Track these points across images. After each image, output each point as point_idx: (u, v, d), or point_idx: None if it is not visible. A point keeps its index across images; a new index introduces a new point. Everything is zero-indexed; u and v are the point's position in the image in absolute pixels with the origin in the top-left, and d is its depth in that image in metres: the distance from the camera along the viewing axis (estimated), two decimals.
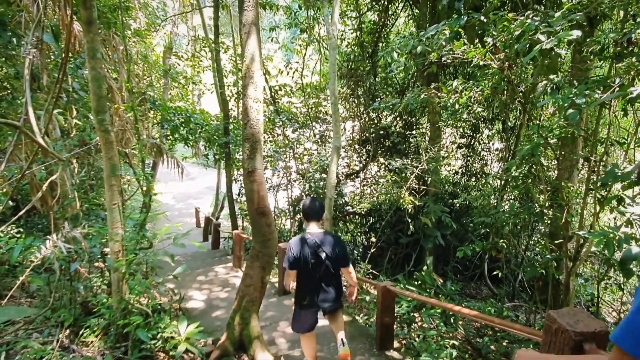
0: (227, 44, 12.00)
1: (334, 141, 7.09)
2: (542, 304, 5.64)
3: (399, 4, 10.24)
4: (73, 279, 4.35)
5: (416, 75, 9.24)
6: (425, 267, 6.81)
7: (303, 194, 10.02)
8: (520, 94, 4.74)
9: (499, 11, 4.27)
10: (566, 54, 5.65)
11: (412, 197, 7.26)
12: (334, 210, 8.65)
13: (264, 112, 4.14)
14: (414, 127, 9.82)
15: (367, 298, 6.25)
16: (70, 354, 3.59)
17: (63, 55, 4.18)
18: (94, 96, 3.59)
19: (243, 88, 3.86)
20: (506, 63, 4.12)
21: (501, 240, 5.56)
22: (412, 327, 5.12)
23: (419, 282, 6.01)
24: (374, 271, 7.59)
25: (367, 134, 10.01)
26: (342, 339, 3.66)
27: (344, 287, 3.83)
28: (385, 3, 9.85)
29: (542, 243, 6.55)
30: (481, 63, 4.14)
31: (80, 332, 3.87)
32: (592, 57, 4.32)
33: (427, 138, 8.93)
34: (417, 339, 4.66)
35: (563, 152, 5.03)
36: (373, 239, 8.34)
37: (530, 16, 3.70)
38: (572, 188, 4.91)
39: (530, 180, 4.92)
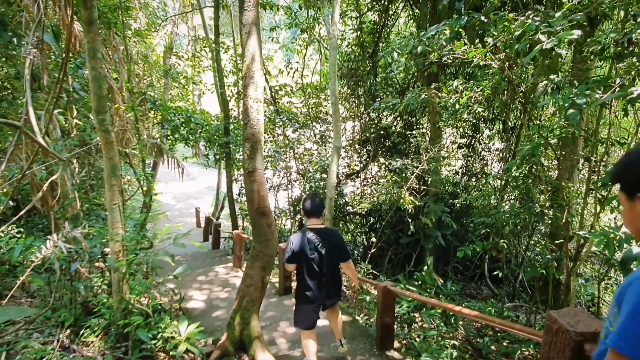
0: (228, 44, 12.00)
1: (334, 141, 7.09)
2: (542, 304, 5.63)
3: (399, 4, 10.24)
4: (73, 279, 4.35)
5: (416, 75, 9.24)
6: (425, 267, 6.81)
7: (303, 194, 10.02)
8: (521, 94, 4.74)
9: (499, 11, 4.27)
10: (567, 54, 5.65)
11: (412, 197, 7.26)
12: (335, 210, 8.65)
13: (264, 112, 4.13)
14: (415, 127, 9.82)
15: (368, 298, 6.24)
16: (70, 354, 3.59)
17: (63, 55, 4.19)
18: (95, 96, 3.59)
19: (243, 88, 3.86)
20: (506, 63, 4.12)
21: (501, 241, 5.56)
22: (412, 327, 5.12)
23: (420, 282, 6.01)
24: (374, 271, 7.59)
25: (367, 134, 10.01)
26: (340, 340, 3.73)
27: (344, 286, 3.86)
28: (386, 3, 9.85)
29: (543, 243, 6.55)
30: (481, 63, 4.14)
31: (81, 332, 3.87)
32: (592, 57, 4.31)
33: (427, 138, 8.93)
34: (417, 339, 4.66)
35: (563, 152, 5.02)
36: (373, 239, 8.34)
37: (531, 16, 3.70)
38: (572, 188, 4.90)
39: (530, 181, 4.92)
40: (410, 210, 7.24)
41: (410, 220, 7.66)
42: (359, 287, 4.00)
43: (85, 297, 4.34)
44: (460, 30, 4.26)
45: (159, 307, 4.35)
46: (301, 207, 3.55)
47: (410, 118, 9.83)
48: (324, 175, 9.12)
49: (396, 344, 4.30)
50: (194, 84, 15.67)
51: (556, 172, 5.69)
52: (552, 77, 3.91)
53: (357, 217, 9.95)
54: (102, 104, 3.63)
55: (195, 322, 3.78)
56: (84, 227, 4.25)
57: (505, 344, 4.76)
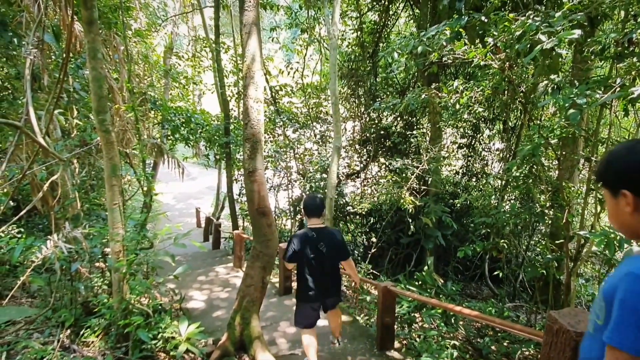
0: (228, 44, 12.01)
1: (334, 141, 7.09)
2: (543, 304, 5.63)
3: (399, 4, 10.24)
4: (74, 279, 4.35)
5: (417, 76, 9.24)
6: (425, 267, 6.81)
7: (303, 194, 10.02)
8: (521, 94, 4.74)
9: (499, 11, 4.27)
10: (567, 54, 5.65)
11: (412, 197, 7.26)
12: (335, 210, 8.65)
13: (264, 112, 4.14)
14: (415, 127, 9.81)
15: (368, 298, 6.24)
16: (71, 354, 3.59)
17: (64, 55, 4.19)
18: (95, 96, 3.60)
19: (244, 88, 3.86)
20: (507, 63, 4.12)
21: (502, 241, 5.56)
22: (412, 327, 5.12)
23: (420, 282, 6.01)
24: (374, 271, 7.59)
25: (367, 134, 10.01)
26: (337, 338, 3.87)
27: (344, 286, 3.90)
28: (386, 3, 9.84)
29: (543, 243, 6.54)
30: (482, 63, 4.14)
31: (81, 332, 3.87)
32: (593, 57, 4.31)
33: (427, 138, 8.93)
34: (417, 339, 4.66)
35: (564, 152, 5.02)
36: (374, 239, 8.34)
37: (531, 16, 3.69)
38: (573, 188, 4.90)
39: (531, 181, 4.91)
40: (410, 210, 7.24)
41: (410, 220, 7.66)
42: (359, 284, 4.04)
43: (86, 297, 4.34)
44: (461, 30, 4.26)
45: (160, 307, 4.35)
46: (302, 207, 3.58)
47: (410, 118, 9.83)
48: (324, 176, 9.12)
49: (396, 344, 4.30)
50: (194, 84, 15.68)
51: (556, 172, 5.69)
52: (552, 77, 3.91)
53: (358, 217, 9.95)
54: (102, 104, 3.63)
55: (195, 322, 3.78)
56: (84, 227, 4.25)
57: (505, 344, 4.76)
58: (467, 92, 4.80)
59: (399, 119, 9.95)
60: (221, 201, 14.50)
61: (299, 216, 10.24)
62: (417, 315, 5.29)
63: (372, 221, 9.65)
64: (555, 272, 4.97)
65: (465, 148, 9.68)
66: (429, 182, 7.89)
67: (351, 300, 6.42)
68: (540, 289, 5.62)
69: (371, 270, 7.40)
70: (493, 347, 4.65)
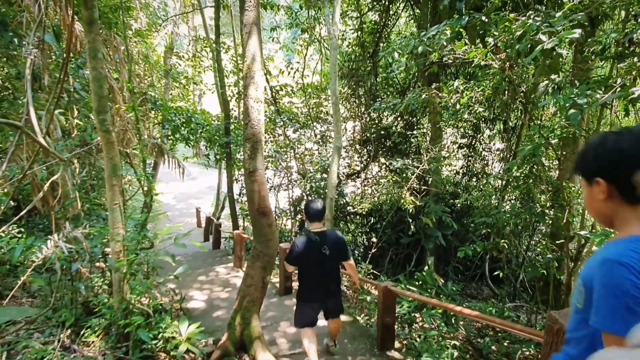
0: (228, 44, 12.01)
1: (335, 141, 7.09)
2: (543, 305, 5.63)
3: (400, 4, 10.23)
4: (74, 279, 4.35)
5: (417, 76, 9.24)
6: (426, 267, 6.81)
7: (304, 194, 10.02)
8: (522, 94, 4.74)
9: (500, 11, 4.27)
10: (567, 54, 5.64)
11: (413, 197, 7.26)
12: (335, 210, 8.65)
13: (265, 112, 4.13)
14: (415, 127, 9.81)
15: (368, 298, 6.24)
16: (71, 354, 3.59)
17: (64, 55, 4.19)
18: (95, 96, 3.60)
19: (244, 88, 3.86)
20: (507, 63, 4.12)
21: (502, 241, 5.56)
22: (413, 327, 5.12)
23: (420, 282, 6.00)
24: (374, 271, 7.59)
25: (368, 134, 10.01)
26: (334, 341, 3.94)
27: (344, 286, 3.93)
28: (386, 3, 9.84)
29: (544, 243, 6.53)
30: (482, 63, 4.14)
31: (82, 332, 3.87)
32: (593, 57, 4.31)
33: (428, 138, 8.93)
34: (418, 339, 4.66)
35: (564, 153, 5.02)
36: (374, 239, 8.34)
37: (532, 16, 3.69)
38: (573, 188, 4.90)
39: (531, 181, 4.91)
40: (410, 210, 7.24)
41: (410, 221, 7.66)
42: (359, 285, 4.08)
43: (86, 297, 4.34)
44: (461, 30, 4.26)
45: (160, 307, 4.35)
46: (304, 211, 3.63)
47: (411, 118, 9.82)
48: (325, 176, 9.12)
49: (397, 344, 4.30)
50: (194, 84, 15.67)
51: (557, 172, 5.68)
52: (553, 77, 3.91)
53: (358, 217, 9.95)
54: (102, 104, 3.63)
55: (195, 322, 3.78)
56: (84, 227, 4.25)
57: (506, 344, 4.75)
58: (468, 92, 4.80)
59: (399, 119, 9.95)
60: (221, 201, 14.49)
61: (299, 216, 10.24)
62: (417, 315, 5.29)
63: (372, 221, 9.65)
64: (556, 272, 4.97)
65: (465, 148, 9.67)
66: (430, 182, 7.89)
67: (351, 300, 6.41)
68: (540, 289, 5.62)
69: (371, 270, 7.40)
70: (493, 347, 4.65)
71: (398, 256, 8.98)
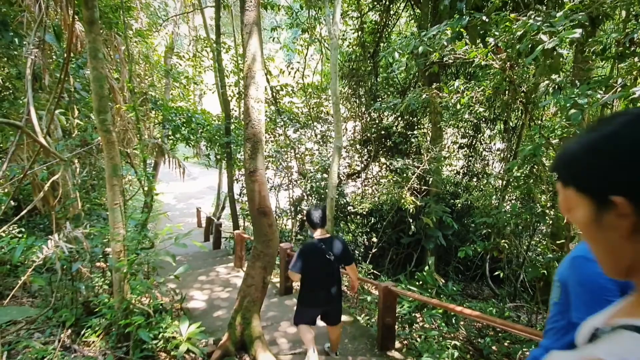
0: (229, 44, 12.00)
1: (335, 141, 7.08)
2: (543, 305, 5.62)
3: (400, 4, 10.23)
4: (75, 279, 4.35)
5: (417, 76, 9.24)
6: (426, 267, 6.80)
7: (304, 194, 10.02)
8: (522, 94, 4.74)
9: (500, 11, 4.26)
10: (568, 54, 5.64)
11: (413, 197, 7.25)
12: (336, 210, 8.65)
13: (265, 112, 4.14)
14: (416, 127, 9.81)
15: (369, 298, 6.24)
16: (71, 354, 3.59)
17: (65, 55, 4.19)
18: (96, 96, 3.60)
19: (244, 88, 3.86)
20: (508, 63, 4.12)
21: (503, 241, 5.55)
22: (413, 327, 5.12)
23: (421, 282, 6.00)
24: (375, 271, 7.58)
25: (368, 134, 10.01)
26: (335, 352, 3.98)
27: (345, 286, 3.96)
28: (387, 3, 9.84)
29: (544, 243, 6.53)
30: (483, 63, 4.14)
31: (82, 332, 3.88)
32: (594, 57, 4.31)
33: (428, 138, 8.93)
34: (418, 340, 4.66)
35: None
36: (374, 239, 8.34)
37: (532, 16, 3.69)
38: None
39: (532, 181, 4.91)
40: (411, 210, 7.24)
41: (411, 221, 7.66)
42: (358, 288, 4.12)
43: (87, 297, 4.34)
44: (462, 30, 4.25)
45: (160, 307, 4.35)
46: (306, 219, 3.70)
47: (411, 118, 9.82)
48: (325, 175, 9.11)
49: (397, 344, 4.30)
50: (195, 84, 15.67)
51: None
52: (553, 77, 3.91)
53: (358, 217, 9.95)
54: (103, 104, 3.63)
55: (196, 322, 3.78)
56: (85, 227, 4.26)
57: (506, 344, 4.75)
58: (468, 92, 4.80)
59: (399, 119, 9.95)
60: (222, 201, 14.49)
61: (299, 216, 10.24)
62: (417, 315, 5.29)
63: (372, 221, 9.65)
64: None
65: (466, 148, 9.67)
66: (430, 182, 7.88)
67: (352, 301, 6.41)
68: (541, 289, 5.61)
69: (372, 270, 7.40)
70: (494, 347, 4.64)
71: (398, 256, 8.98)
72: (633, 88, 2.83)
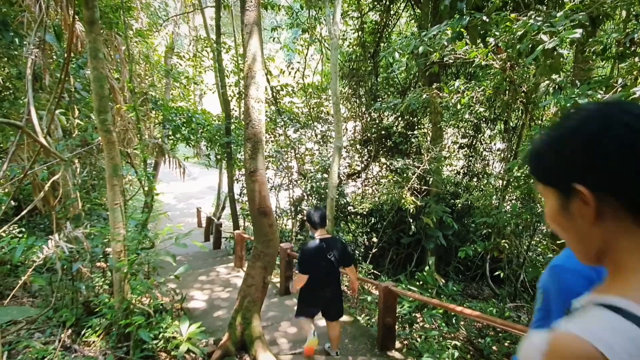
0: (229, 44, 12.01)
1: (335, 141, 7.09)
2: None
3: (400, 4, 10.22)
4: (75, 279, 4.35)
5: (418, 76, 9.23)
6: (426, 268, 6.80)
7: (304, 194, 10.02)
8: (523, 94, 4.74)
9: (501, 11, 4.26)
10: (568, 54, 5.63)
11: (413, 198, 7.25)
12: (336, 210, 8.65)
13: (265, 112, 4.14)
14: (416, 127, 9.80)
15: (369, 298, 6.24)
16: (72, 354, 3.59)
17: (65, 55, 4.19)
18: (96, 96, 3.60)
19: (245, 88, 3.86)
20: (508, 63, 4.12)
21: (503, 241, 5.55)
22: (413, 327, 5.12)
23: (421, 282, 6.00)
24: (375, 271, 7.58)
25: (368, 134, 10.01)
26: (336, 352, 3.98)
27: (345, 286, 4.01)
28: (387, 3, 9.84)
29: (544, 243, 6.53)
30: (483, 63, 4.14)
31: (82, 332, 3.88)
32: (594, 57, 4.30)
33: (428, 138, 8.92)
34: (418, 340, 4.66)
35: None
36: (375, 239, 8.33)
37: (533, 16, 3.69)
38: None
39: (532, 181, 4.90)
40: (411, 210, 7.23)
41: (411, 221, 7.65)
42: (357, 288, 4.16)
43: (87, 297, 4.34)
44: (462, 30, 4.25)
45: (161, 307, 4.35)
46: (307, 220, 3.79)
47: (411, 118, 9.82)
48: (325, 175, 9.11)
49: (397, 345, 4.30)
50: (195, 84, 15.66)
51: None
52: (554, 77, 3.91)
53: (359, 217, 9.95)
54: (103, 104, 3.63)
55: (196, 322, 3.78)
56: (85, 227, 4.26)
57: (506, 344, 4.75)
58: (469, 92, 4.80)
59: (400, 119, 9.94)
60: (222, 201, 14.49)
61: (299, 216, 10.24)
62: (418, 315, 5.29)
63: (373, 221, 9.64)
64: None
65: (466, 148, 9.66)
66: (430, 182, 7.88)
67: (352, 301, 6.41)
68: None
69: (372, 270, 7.40)
70: (494, 348, 4.64)
71: (399, 256, 8.98)
72: (633, 88, 2.83)
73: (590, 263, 0.69)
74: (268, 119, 10.40)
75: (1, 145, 6.89)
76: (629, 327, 0.51)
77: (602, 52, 3.79)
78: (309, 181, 9.63)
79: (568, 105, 3.10)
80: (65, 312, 4.11)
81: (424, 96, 5.72)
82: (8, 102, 6.21)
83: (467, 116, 6.93)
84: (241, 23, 3.87)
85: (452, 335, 4.83)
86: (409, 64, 8.60)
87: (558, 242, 4.90)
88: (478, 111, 5.57)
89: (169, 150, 9.18)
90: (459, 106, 5.16)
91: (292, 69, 11.56)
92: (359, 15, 10.18)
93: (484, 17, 4.17)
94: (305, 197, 10.08)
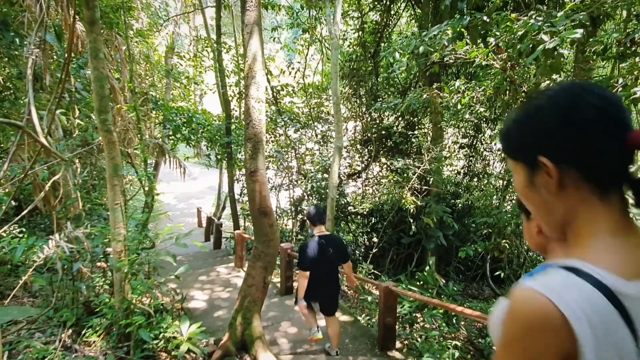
0: (229, 44, 12.02)
1: (335, 141, 7.09)
2: None
3: (401, 3, 10.22)
4: (75, 279, 4.35)
5: (418, 75, 9.23)
6: (427, 268, 6.80)
7: (305, 194, 10.02)
8: (523, 94, 4.73)
9: (501, 11, 4.26)
10: (569, 54, 5.63)
11: (414, 197, 7.25)
12: (336, 210, 8.65)
13: (266, 112, 4.14)
14: (416, 127, 9.80)
15: (369, 298, 6.24)
16: (72, 354, 3.60)
17: (66, 55, 4.19)
18: (97, 96, 3.60)
19: (245, 88, 3.86)
20: (509, 63, 4.11)
21: (503, 241, 5.55)
22: (414, 327, 5.12)
23: (421, 282, 6.00)
24: (375, 271, 7.58)
25: (369, 134, 10.01)
26: (336, 351, 3.99)
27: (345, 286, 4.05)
28: (388, 3, 9.83)
29: None
30: (484, 63, 4.13)
31: (83, 332, 3.88)
32: (595, 57, 4.29)
33: (429, 138, 8.92)
34: (419, 340, 4.66)
35: None
36: (375, 239, 8.34)
37: (533, 16, 3.68)
38: None
39: None
40: (411, 210, 7.23)
41: (411, 221, 7.65)
42: (355, 283, 4.17)
43: (87, 297, 4.35)
44: (463, 30, 4.25)
45: (161, 307, 4.35)
46: (306, 218, 3.86)
47: (412, 118, 9.81)
48: (326, 176, 9.12)
49: (398, 345, 4.30)
50: (195, 84, 15.67)
51: None
52: (554, 77, 3.91)
53: (359, 217, 9.95)
54: (104, 104, 3.63)
55: (197, 322, 3.78)
56: (86, 227, 4.26)
57: None
58: (469, 92, 4.80)
59: (400, 119, 9.94)
60: (222, 201, 14.49)
61: (300, 216, 10.24)
62: (418, 315, 5.29)
63: (373, 221, 9.64)
64: None
65: (466, 148, 9.66)
66: (431, 182, 7.88)
67: (352, 301, 6.41)
68: None
69: (372, 270, 7.40)
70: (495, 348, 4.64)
71: (399, 256, 8.98)
72: (634, 88, 2.83)
73: (556, 233, 0.75)
74: (268, 119, 10.40)
75: (2, 145, 6.90)
76: (581, 282, 0.59)
77: (603, 52, 3.78)
78: (310, 181, 9.63)
79: None
80: (65, 312, 4.11)
81: (425, 96, 5.72)
82: (8, 102, 6.22)
83: (467, 116, 6.93)
84: (241, 23, 3.87)
85: (453, 335, 4.83)
86: (409, 64, 8.59)
87: None
88: (478, 111, 5.56)
89: (170, 150, 9.19)
90: (459, 106, 5.16)
91: (293, 69, 11.56)
92: (360, 15, 10.18)
93: (485, 17, 4.16)
94: (306, 197, 10.08)
